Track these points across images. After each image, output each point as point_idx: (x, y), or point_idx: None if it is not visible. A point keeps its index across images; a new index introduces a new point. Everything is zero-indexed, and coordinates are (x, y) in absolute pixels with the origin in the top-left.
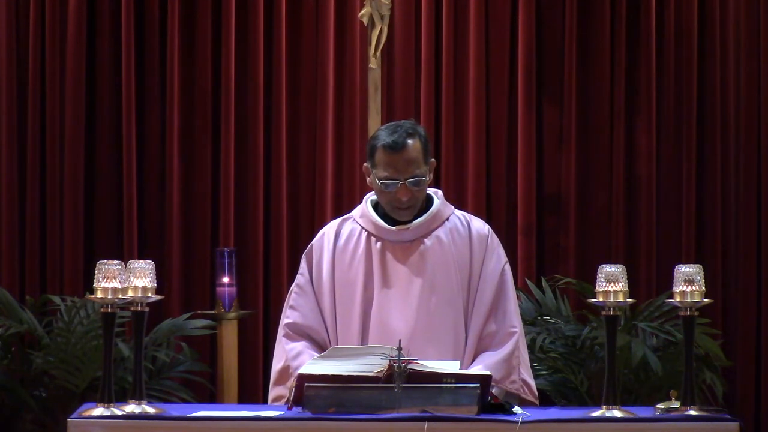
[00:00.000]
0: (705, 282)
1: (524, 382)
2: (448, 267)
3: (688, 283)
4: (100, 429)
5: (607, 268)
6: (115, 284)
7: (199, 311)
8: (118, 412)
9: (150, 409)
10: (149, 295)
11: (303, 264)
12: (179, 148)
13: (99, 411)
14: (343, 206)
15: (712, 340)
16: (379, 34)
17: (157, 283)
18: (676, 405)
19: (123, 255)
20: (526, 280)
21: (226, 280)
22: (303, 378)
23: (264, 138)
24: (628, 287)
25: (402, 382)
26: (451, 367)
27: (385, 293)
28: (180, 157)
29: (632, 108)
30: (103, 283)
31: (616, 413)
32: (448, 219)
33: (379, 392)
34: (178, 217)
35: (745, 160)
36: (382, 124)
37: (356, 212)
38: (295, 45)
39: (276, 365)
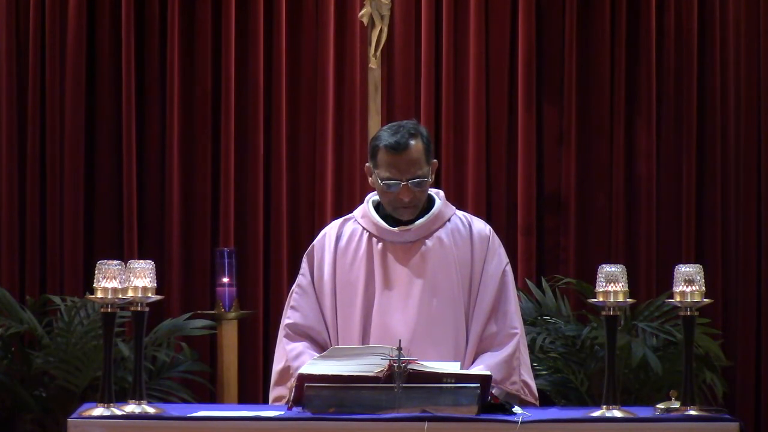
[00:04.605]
0: (705, 282)
1: (525, 383)
2: (449, 268)
3: (688, 283)
4: (100, 429)
5: (607, 268)
6: (115, 284)
7: (199, 311)
8: (118, 412)
9: (150, 409)
10: (149, 295)
11: (304, 264)
12: (179, 148)
13: (99, 411)
14: (343, 206)
15: (712, 340)
16: (379, 34)
17: (157, 283)
18: (676, 405)
19: (123, 255)
20: (526, 280)
21: (226, 280)
22: (303, 378)
23: (264, 138)
24: (628, 287)
25: (402, 382)
26: (452, 368)
27: (386, 294)
28: (180, 157)
29: (632, 108)
30: (103, 283)
31: (616, 413)
32: (449, 220)
33: (379, 392)
34: (178, 217)
35: (745, 160)
36: (382, 124)
37: (357, 213)
38: (295, 45)
39: (277, 366)
